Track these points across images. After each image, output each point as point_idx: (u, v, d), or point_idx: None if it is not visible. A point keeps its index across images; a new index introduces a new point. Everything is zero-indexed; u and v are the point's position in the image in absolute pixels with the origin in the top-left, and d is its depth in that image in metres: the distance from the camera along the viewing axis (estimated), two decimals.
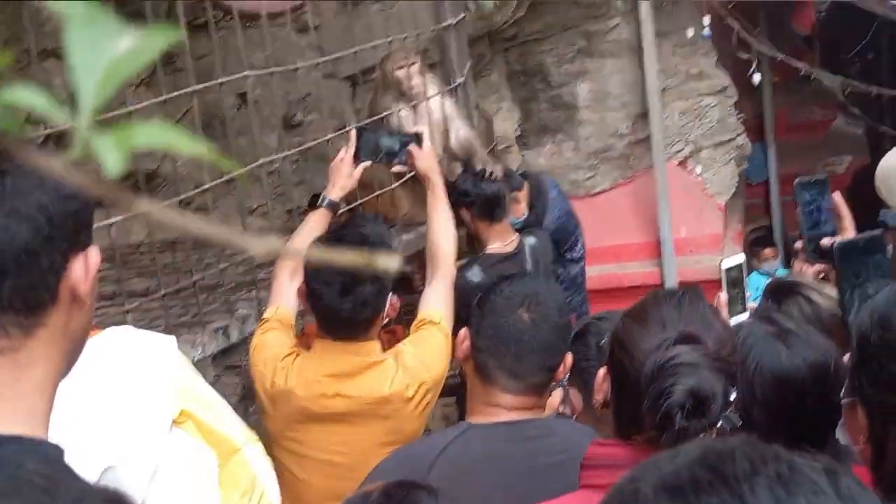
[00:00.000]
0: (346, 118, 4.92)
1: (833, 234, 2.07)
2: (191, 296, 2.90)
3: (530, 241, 4.28)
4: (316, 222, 3.01)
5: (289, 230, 3.32)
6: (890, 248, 2.09)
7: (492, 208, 4.08)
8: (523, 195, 4.89)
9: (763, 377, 1.88)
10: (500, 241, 4.13)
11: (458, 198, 3.85)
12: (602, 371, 1.70)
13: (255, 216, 4.97)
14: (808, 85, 9.42)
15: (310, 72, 3.77)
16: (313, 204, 3.11)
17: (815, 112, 9.81)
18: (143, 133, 0.51)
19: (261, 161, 3.05)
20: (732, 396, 1.58)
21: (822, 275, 2.23)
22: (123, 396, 1.63)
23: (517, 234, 4.29)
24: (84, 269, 1.01)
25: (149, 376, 1.65)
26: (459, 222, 3.58)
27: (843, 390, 1.68)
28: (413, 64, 3.85)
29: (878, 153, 9.54)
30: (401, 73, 3.81)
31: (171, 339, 1.76)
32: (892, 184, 2.04)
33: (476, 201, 4.02)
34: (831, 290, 2.27)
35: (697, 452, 0.79)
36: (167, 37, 0.53)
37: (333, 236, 2.60)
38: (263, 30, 3.83)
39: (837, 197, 2.22)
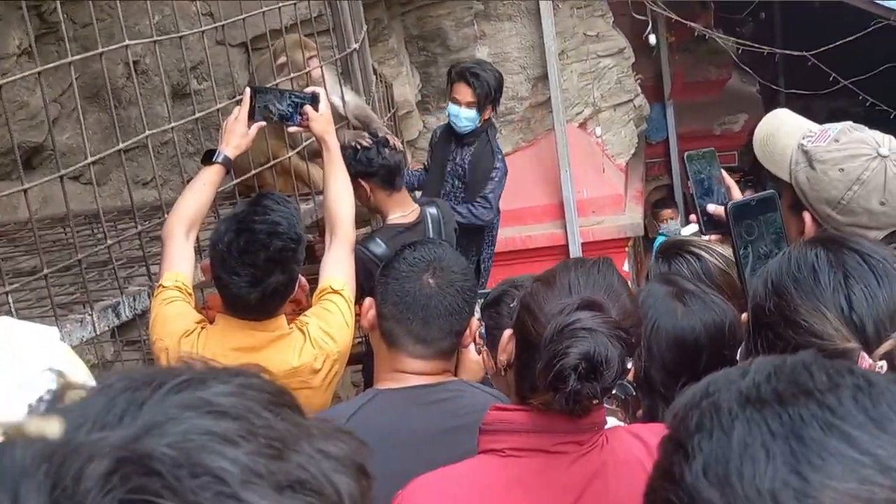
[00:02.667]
0: (239, 86, 4.80)
1: (724, 203, 2.09)
2: (79, 273, 2.79)
3: (431, 210, 4.23)
4: (208, 178, 2.91)
5: None
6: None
7: (392, 177, 4.01)
8: None
9: (659, 336, 1.90)
10: (401, 211, 4.07)
11: (358, 167, 3.77)
12: (508, 332, 1.69)
13: (149, 188, 4.83)
14: (704, 45, 9.61)
15: (200, 39, 3.65)
16: (207, 160, 2.98)
17: (710, 71, 9.98)
18: None
19: (149, 132, 2.93)
20: (629, 366, 1.57)
21: (717, 241, 2.27)
22: None
23: (417, 204, 4.25)
24: None
25: (28, 374, 1.56)
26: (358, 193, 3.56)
27: (738, 352, 1.70)
28: (312, 57, 3.78)
29: (772, 110, 9.83)
30: (298, 58, 3.73)
31: (54, 330, 1.66)
32: (771, 150, 2.05)
33: (378, 171, 3.94)
34: (721, 248, 2.30)
35: (769, 368, 0.80)
36: None
37: (242, 225, 2.50)
38: None
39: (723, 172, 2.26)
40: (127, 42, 2.83)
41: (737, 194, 2.17)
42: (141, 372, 0.65)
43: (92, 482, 0.55)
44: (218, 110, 3.35)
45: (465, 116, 4.96)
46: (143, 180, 4.96)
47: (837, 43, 6.58)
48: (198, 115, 3.35)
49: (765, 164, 2.06)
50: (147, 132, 2.93)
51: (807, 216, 1.96)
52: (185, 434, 0.59)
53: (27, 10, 2.99)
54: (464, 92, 4.94)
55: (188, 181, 3.03)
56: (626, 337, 1.52)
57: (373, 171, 3.91)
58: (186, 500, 0.56)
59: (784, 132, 2.05)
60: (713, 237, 2.22)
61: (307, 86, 3.63)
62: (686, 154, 2.21)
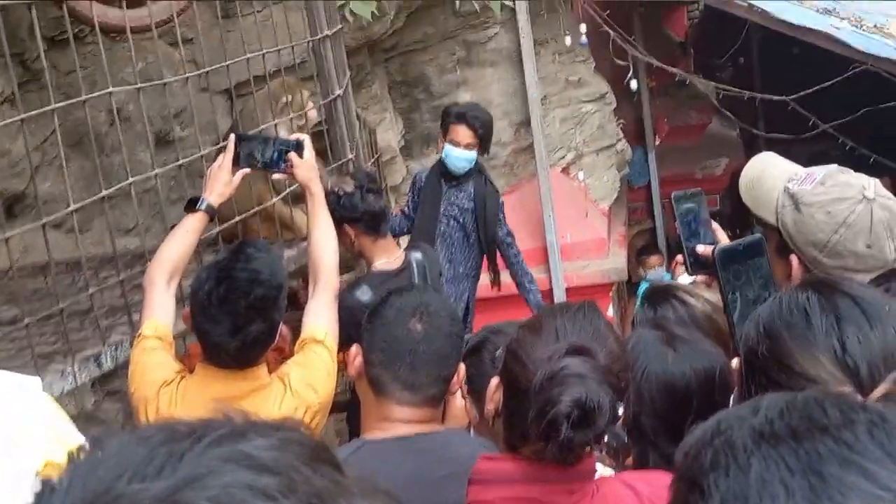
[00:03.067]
0: (222, 133, 4.79)
1: (711, 244, 2.08)
2: (60, 322, 2.76)
3: (416, 255, 4.22)
4: (191, 226, 2.87)
5: None
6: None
7: (377, 223, 4.00)
8: None
9: (650, 382, 1.89)
10: (386, 257, 4.05)
11: (342, 213, 3.76)
12: (495, 380, 1.67)
13: (131, 236, 4.80)
14: (685, 89, 9.71)
15: (184, 86, 3.64)
16: (191, 207, 2.95)
17: (691, 116, 10.09)
18: None
19: (133, 179, 2.91)
20: (621, 411, 1.56)
21: (704, 284, 2.26)
22: None
23: (401, 249, 4.24)
24: None
25: (8, 425, 1.51)
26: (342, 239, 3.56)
27: (731, 398, 1.68)
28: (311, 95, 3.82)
29: (753, 154, 9.91)
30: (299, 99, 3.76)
31: (36, 380, 1.62)
32: (757, 194, 2.05)
33: (362, 217, 3.93)
34: (706, 293, 2.29)
35: (781, 404, 0.80)
36: None
37: (223, 273, 2.48)
38: (132, 45, 3.68)
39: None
40: (111, 89, 2.82)
41: (722, 237, 2.17)
42: (181, 423, 0.65)
43: None
44: (202, 157, 3.34)
45: (465, 157, 5.07)
46: (126, 227, 4.93)
47: (816, 88, 6.65)
48: (182, 161, 3.33)
49: (751, 207, 2.06)
50: (130, 179, 2.91)
51: (794, 259, 1.95)
52: (226, 488, 0.59)
53: (9, 57, 2.98)
54: (464, 134, 5.04)
55: (171, 228, 3.01)
56: (615, 382, 1.51)
57: (357, 216, 3.89)
58: None
59: (770, 175, 2.06)
60: (700, 280, 2.21)
61: (305, 126, 3.64)
62: (673, 194, 2.19)
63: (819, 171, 1.99)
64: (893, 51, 6.63)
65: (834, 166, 2.01)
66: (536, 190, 6.80)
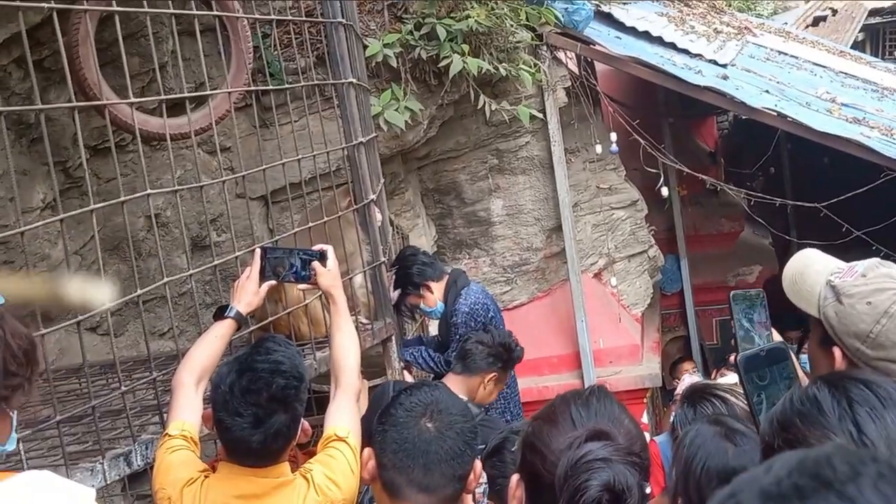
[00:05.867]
0: (257, 238, 4.88)
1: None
2: (92, 422, 2.78)
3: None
4: (220, 332, 2.97)
5: None
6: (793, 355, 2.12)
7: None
8: (439, 286, 4.94)
9: (710, 476, 1.87)
10: None
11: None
12: (515, 477, 1.65)
13: (166, 338, 4.85)
14: (715, 198, 9.76)
15: (221, 192, 3.73)
16: (219, 315, 3.04)
17: (723, 224, 10.11)
18: None
19: (165, 280, 2.96)
20: (647, 490, 1.55)
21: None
22: None
23: None
24: None
25: None
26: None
27: None
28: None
29: (785, 261, 9.90)
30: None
31: (91, 492, 1.64)
32: (800, 288, 2.07)
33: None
34: None
35: (792, 462, 0.81)
36: None
37: (244, 365, 2.52)
38: (171, 152, 3.80)
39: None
40: (148, 191, 2.90)
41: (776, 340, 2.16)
42: None
43: None
44: (236, 258, 3.40)
45: (440, 310, 5.04)
46: (160, 331, 4.99)
47: (848, 195, 6.66)
48: (216, 262, 3.39)
49: (794, 301, 2.07)
50: (165, 279, 2.97)
51: (836, 351, 1.95)
52: None
53: (53, 165, 3.08)
54: (430, 297, 5.02)
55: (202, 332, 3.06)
56: (639, 462, 1.50)
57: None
58: None
59: (813, 270, 2.08)
60: None
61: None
62: (732, 293, 2.21)
63: (860, 264, 2.01)
64: None
65: (875, 259, 2.03)
66: (568, 295, 6.81)
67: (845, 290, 1.96)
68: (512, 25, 5.96)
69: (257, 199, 5.38)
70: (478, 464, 2.09)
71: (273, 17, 3.80)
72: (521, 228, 6.93)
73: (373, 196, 4.26)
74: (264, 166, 3.61)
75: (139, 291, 2.83)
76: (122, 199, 2.78)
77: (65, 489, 1.55)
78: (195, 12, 3.40)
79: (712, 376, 6.98)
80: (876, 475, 0.77)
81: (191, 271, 3.17)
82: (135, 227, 4.82)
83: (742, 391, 2.31)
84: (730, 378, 2.78)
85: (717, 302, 9.83)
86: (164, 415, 2.84)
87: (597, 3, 7.17)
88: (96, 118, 4.30)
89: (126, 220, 2.97)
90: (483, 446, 2.46)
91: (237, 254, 3.40)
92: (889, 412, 1.32)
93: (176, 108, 3.90)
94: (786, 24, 13.68)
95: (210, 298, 5.08)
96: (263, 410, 2.43)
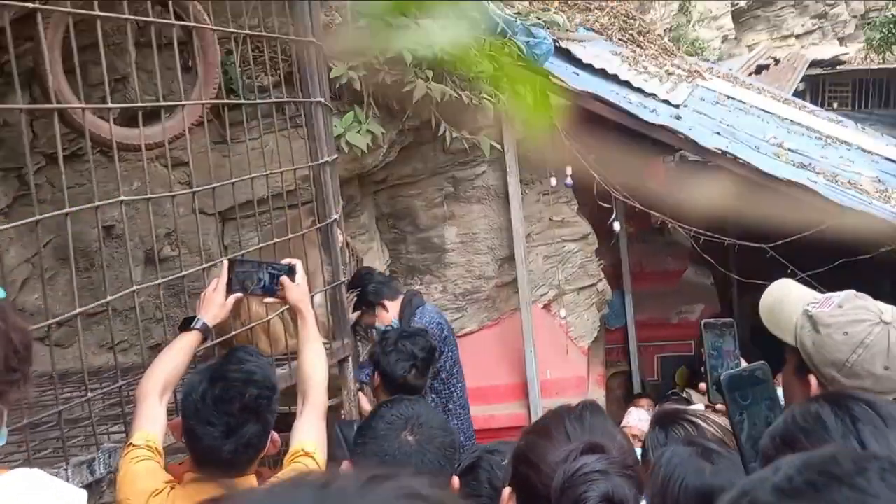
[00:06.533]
0: (211, 254, 4.82)
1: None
2: (51, 430, 2.71)
3: None
4: (185, 343, 2.93)
5: None
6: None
7: (400, 391, 4.25)
8: (394, 305, 4.95)
9: (688, 495, 1.89)
10: None
11: (381, 360, 4.09)
12: (507, 490, 1.65)
13: (117, 351, 4.75)
14: (661, 236, 9.89)
15: (178, 206, 3.69)
16: (185, 327, 3.01)
17: (668, 262, 10.24)
18: None
19: (109, 298, 2.92)
20: (642, 503, 1.57)
21: (713, 410, 2.28)
22: None
23: None
24: None
25: None
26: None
27: None
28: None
29: (725, 301, 10.06)
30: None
31: (82, 493, 1.61)
32: (777, 317, 2.12)
33: (399, 383, 4.11)
34: (717, 418, 2.31)
35: (799, 463, 0.86)
36: None
37: (216, 374, 2.49)
38: (119, 163, 3.73)
39: None
40: (97, 203, 2.86)
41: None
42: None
43: None
44: (183, 277, 3.37)
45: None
46: (109, 344, 4.89)
47: (794, 237, 6.79)
48: (166, 278, 3.34)
49: (771, 330, 2.11)
50: (108, 297, 2.93)
51: (812, 379, 1.99)
52: None
53: (7, 171, 3.02)
54: (384, 316, 5.09)
55: (154, 347, 3.01)
56: (633, 475, 1.52)
57: (393, 377, 4.13)
58: None
59: (790, 299, 2.13)
60: (719, 407, 2.23)
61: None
62: (703, 321, 2.27)
63: (837, 295, 2.06)
64: (867, 205, 6.82)
65: (852, 292, 2.08)
66: (518, 325, 6.84)
67: (822, 320, 2.00)
68: (475, 55, 6.00)
69: (211, 215, 5.32)
70: (455, 480, 2.08)
71: (245, 31, 3.78)
72: (473, 257, 6.95)
73: (335, 216, 4.25)
74: (220, 182, 3.58)
75: (79, 309, 2.77)
76: (67, 210, 2.74)
77: (61, 485, 1.52)
78: (173, 22, 3.38)
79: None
80: (880, 469, 0.83)
81: (135, 287, 3.11)
82: (89, 237, 4.73)
83: (711, 417, 2.35)
84: (698, 406, 2.82)
85: (660, 338, 9.95)
86: (126, 425, 2.79)
87: (555, 39, 7.26)
88: (52, 126, 4.21)
89: (69, 228, 2.89)
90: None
91: (186, 272, 3.36)
92: (892, 431, 1.35)
93: (144, 118, 3.84)
94: (731, 69, 13.96)
95: (160, 314, 4.99)
96: (235, 420, 2.41)
